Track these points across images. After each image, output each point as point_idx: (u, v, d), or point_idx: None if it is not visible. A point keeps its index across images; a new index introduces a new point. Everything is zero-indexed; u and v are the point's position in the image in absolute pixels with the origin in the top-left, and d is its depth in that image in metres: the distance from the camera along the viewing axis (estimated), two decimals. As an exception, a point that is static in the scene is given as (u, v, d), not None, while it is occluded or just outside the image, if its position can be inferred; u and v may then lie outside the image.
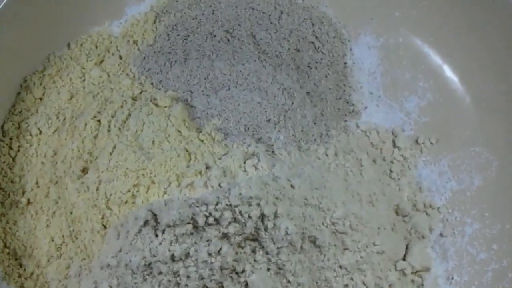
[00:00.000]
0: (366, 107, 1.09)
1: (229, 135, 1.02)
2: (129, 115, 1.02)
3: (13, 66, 1.05)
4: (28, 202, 1.00)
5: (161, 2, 1.14)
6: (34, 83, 1.06)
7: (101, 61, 1.09)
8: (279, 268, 0.92)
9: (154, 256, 0.88)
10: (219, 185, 0.95)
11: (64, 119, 1.04)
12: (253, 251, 0.91)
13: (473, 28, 1.07)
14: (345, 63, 1.11)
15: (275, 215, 0.90)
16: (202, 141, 1.01)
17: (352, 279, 0.96)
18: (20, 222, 0.99)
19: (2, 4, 0.98)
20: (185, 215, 0.88)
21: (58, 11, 1.07)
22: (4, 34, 1.00)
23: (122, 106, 1.03)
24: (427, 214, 1.04)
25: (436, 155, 1.07)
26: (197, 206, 0.89)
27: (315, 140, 1.03)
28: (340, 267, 0.95)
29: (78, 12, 1.10)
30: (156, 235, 0.89)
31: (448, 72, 1.10)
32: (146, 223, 0.90)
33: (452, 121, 1.08)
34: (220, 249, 0.88)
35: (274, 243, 0.91)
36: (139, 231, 0.89)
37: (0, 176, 1.01)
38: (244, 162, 0.99)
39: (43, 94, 1.06)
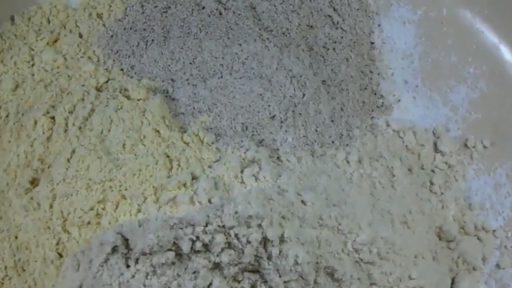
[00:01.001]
0: (399, 100, 1.12)
1: (222, 136, 1.04)
2: (93, 110, 1.04)
3: None
4: None
5: (134, -37, 1.15)
6: None
7: (55, 41, 1.11)
8: None
9: None
10: (209, 201, 0.96)
11: (7, 116, 1.06)
12: (253, 286, 0.92)
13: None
14: (372, 43, 1.13)
15: (282, 240, 0.91)
16: (187, 144, 1.03)
17: None
18: None
19: None
20: (165, 240, 0.88)
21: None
22: None
23: (83, 99, 1.05)
24: (479, 239, 1.06)
25: (491, 162, 1.09)
26: (181, 228, 0.89)
27: (333, 142, 1.06)
28: None
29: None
30: (128, 266, 0.89)
31: (506, 54, 1.13)
32: (114, 250, 0.90)
33: (511, 118, 1.10)
34: (211, 283, 0.89)
35: (280, 276, 0.91)
36: (106, 260, 0.90)
37: None
38: (241, 171, 1.00)
39: None
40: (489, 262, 1.05)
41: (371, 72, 1.11)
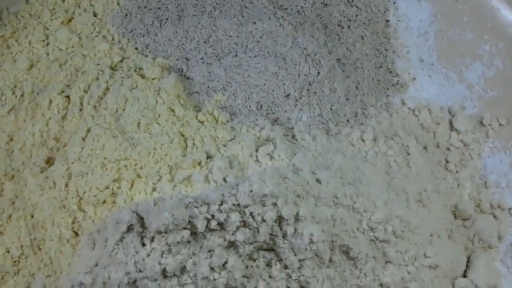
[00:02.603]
0: (414, 78, 1.11)
1: (237, 115, 1.03)
2: (107, 89, 1.03)
3: None
4: None
5: None
6: None
7: (70, 20, 1.11)
8: (302, 287, 0.93)
9: (141, 271, 0.88)
10: (224, 180, 0.96)
11: (22, 95, 1.06)
12: (268, 265, 0.92)
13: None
14: (387, 21, 1.13)
15: (297, 218, 0.91)
16: (202, 122, 1.02)
17: None
18: None
19: None
20: (180, 218, 0.87)
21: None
22: None
23: (97, 78, 1.04)
24: (495, 217, 1.06)
25: (508, 140, 1.09)
26: (196, 207, 0.88)
27: (348, 121, 1.05)
28: (381, 285, 0.97)
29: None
30: (143, 244, 0.89)
31: (525, 31, 1.11)
32: (130, 228, 0.90)
33: None
34: (226, 262, 0.89)
35: (295, 254, 0.91)
36: (121, 239, 0.90)
37: None
38: (256, 150, 1.00)
39: None
40: (505, 240, 1.05)
41: (386, 50, 1.10)
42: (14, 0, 1.11)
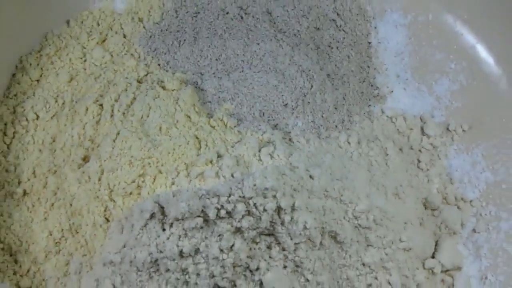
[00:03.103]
0: (392, 91, 1.09)
1: (243, 121, 1.02)
2: (134, 99, 1.02)
3: (8, 45, 1.05)
4: (24, 193, 1.01)
5: (169, -24, 1.13)
6: (30, 64, 1.07)
7: (104, 40, 1.10)
8: (297, 266, 0.92)
9: (161, 252, 0.88)
10: (232, 175, 0.95)
11: (63, 103, 1.05)
12: (269, 247, 0.92)
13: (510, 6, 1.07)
14: (369, 43, 1.11)
15: (293, 208, 0.90)
16: (213, 127, 1.01)
17: (376, 278, 0.96)
18: (16, 215, 1.00)
19: None
20: (195, 208, 0.88)
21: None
22: None
23: (126, 89, 1.03)
24: (458, 207, 1.04)
25: (469, 144, 1.07)
26: (208, 198, 0.89)
27: (336, 126, 1.04)
28: (363, 265, 0.96)
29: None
30: (163, 229, 0.89)
31: (482, 52, 1.10)
32: (152, 216, 0.90)
33: (486, 106, 1.08)
34: (233, 244, 0.89)
35: (291, 239, 0.91)
36: (145, 224, 0.90)
37: (-5, 165, 1.02)
38: (259, 151, 0.99)
39: (41, 75, 1.07)
40: (467, 227, 1.04)
41: (368, 67, 1.09)
42: (57, 24, 1.10)
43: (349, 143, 1.03)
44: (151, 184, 0.97)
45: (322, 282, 0.93)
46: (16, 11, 1.03)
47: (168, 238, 0.88)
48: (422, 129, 1.07)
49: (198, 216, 0.88)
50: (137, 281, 0.90)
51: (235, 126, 1.02)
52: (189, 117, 1.01)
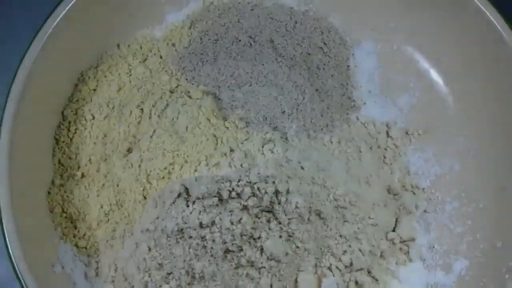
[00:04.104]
0: (365, 103, 1.06)
1: (250, 124, 0.99)
2: (167, 105, 1.00)
3: (73, 62, 1.03)
4: (82, 175, 0.99)
5: (196, 12, 1.11)
6: (89, 77, 1.05)
7: (145, 60, 1.07)
8: (289, 236, 0.90)
9: (186, 223, 0.86)
10: (241, 165, 0.93)
11: (113, 107, 1.02)
12: (268, 221, 0.90)
13: (456, 39, 1.03)
14: (348, 66, 1.08)
15: (287, 191, 0.89)
16: (227, 128, 0.99)
17: (350, 246, 0.94)
18: (76, 192, 0.98)
19: (63, 12, 0.95)
20: (212, 190, 0.86)
21: (111, 17, 1.05)
22: (66, 36, 0.97)
23: (161, 97, 1.01)
24: (413, 193, 1.02)
25: (423, 145, 1.04)
26: (222, 183, 0.87)
27: (321, 129, 1.01)
28: (341, 236, 0.94)
29: (127, 18, 1.07)
30: (188, 206, 0.88)
31: (434, 75, 1.07)
32: (179, 195, 0.88)
33: (436, 116, 1.05)
34: (241, 218, 0.87)
35: (285, 215, 0.89)
36: (174, 202, 0.88)
37: (60, 154, 1.00)
38: (262, 147, 0.96)
39: (96, 86, 1.04)
40: (419, 208, 1.01)
41: (347, 84, 1.06)
42: (110, 47, 1.07)
43: (331, 142, 1.00)
44: (179, 171, 0.95)
45: (309, 249, 0.92)
46: (80, 37, 1.01)
47: (191, 213, 0.87)
48: (387, 132, 1.04)
49: (214, 196, 0.87)
50: (167, 245, 0.88)
51: (244, 127, 0.99)
52: (209, 120, 0.99)
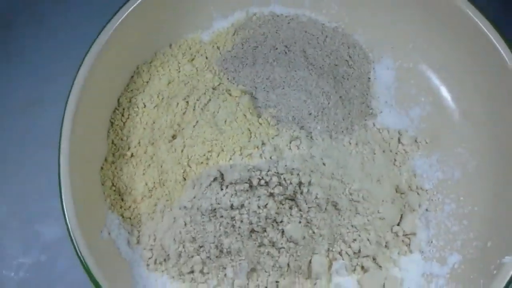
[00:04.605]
0: (381, 112, 1.04)
1: (280, 122, 0.98)
2: (210, 100, 0.99)
3: (130, 57, 1.03)
4: (131, 155, 0.99)
5: (240, 21, 1.10)
6: (143, 70, 1.04)
7: (193, 59, 1.06)
8: (308, 222, 0.89)
9: (218, 204, 0.86)
10: (270, 158, 0.91)
11: (162, 99, 1.02)
12: (290, 208, 0.89)
13: (465, 62, 1.01)
14: (369, 78, 1.06)
15: (309, 183, 0.88)
16: (261, 124, 0.97)
17: (359, 235, 0.93)
18: (125, 169, 0.98)
19: (124, 15, 0.96)
20: (244, 177, 0.86)
21: (165, 21, 1.05)
22: (125, 34, 0.98)
23: (205, 93, 1.00)
24: (418, 194, 1.00)
25: (429, 152, 1.02)
26: (253, 171, 0.87)
27: (342, 132, 0.99)
28: (352, 226, 0.92)
29: (179, 22, 1.07)
30: (221, 189, 0.87)
31: (444, 92, 1.05)
32: (215, 179, 0.88)
33: (443, 128, 1.03)
34: (267, 204, 0.86)
35: (306, 204, 0.88)
36: (209, 184, 0.88)
37: (114, 135, 1.00)
38: (290, 143, 0.95)
39: (149, 79, 1.04)
40: (422, 207, 0.99)
41: (367, 94, 1.04)
42: (163, 46, 1.07)
43: (350, 143, 0.98)
44: (216, 158, 0.93)
45: (323, 235, 0.91)
46: (137, 36, 1.01)
47: (224, 195, 0.86)
48: (399, 139, 1.02)
49: (245, 183, 0.86)
50: (200, 222, 0.88)
51: (275, 125, 0.98)
52: (245, 115, 0.97)
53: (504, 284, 0.84)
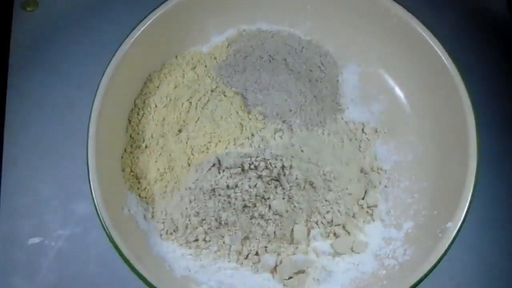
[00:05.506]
0: (348, 108, 1.00)
1: (266, 117, 0.94)
2: (209, 100, 0.95)
3: (144, 67, 0.99)
4: (146, 147, 0.95)
5: (232, 36, 1.05)
6: (154, 77, 1.00)
7: (194, 67, 1.01)
8: (290, 198, 0.86)
9: (217, 185, 0.83)
10: (259, 146, 0.88)
11: (170, 100, 0.97)
12: (275, 187, 0.85)
13: (413, 66, 0.97)
14: (338, 80, 1.02)
15: (291, 167, 0.84)
16: (250, 119, 0.93)
17: (332, 208, 0.89)
18: (140, 158, 0.94)
19: (136, 35, 0.92)
20: (237, 162, 0.83)
21: (172, 37, 1.00)
22: (140, 47, 0.94)
23: (204, 95, 0.96)
24: (378, 173, 0.96)
25: (387, 140, 0.98)
26: (245, 158, 0.83)
27: (317, 124, 0.95)
28: (326, 200, 0.89)
29: (183, 38, 1.02)
30: (219, 173, 0.84)
31: (398, 91, 1.01)
32: (213, 165, 0.85)
33: (397, 120, 0.99)
34: (256, 184, 0.83)
35: (288, 183, 0.85)
36: (209, 169, 0.84)
37: (131, 130, 0.95)
38: (274, 134, 0.91)
39: (159, 84, 0.99)
40: (382, 184, 0.95)
41: (336, 93, 1.00)
42: (170, 57, 1.02)
43: (323, 134, 0.95)
44: (214, 147, 0.89)
45: (303, 208, 0.87)
46: (150, 49, 0.96)
47: (221, 178, 0.83)
48: (362, 129, 0.98)
49: (239, 167, 0.83)
50: (203, 199, 0.84)
51: (262, 120, 0.94)
52: (237, 112, 0.93)
53: (447, 244, 0.81)
